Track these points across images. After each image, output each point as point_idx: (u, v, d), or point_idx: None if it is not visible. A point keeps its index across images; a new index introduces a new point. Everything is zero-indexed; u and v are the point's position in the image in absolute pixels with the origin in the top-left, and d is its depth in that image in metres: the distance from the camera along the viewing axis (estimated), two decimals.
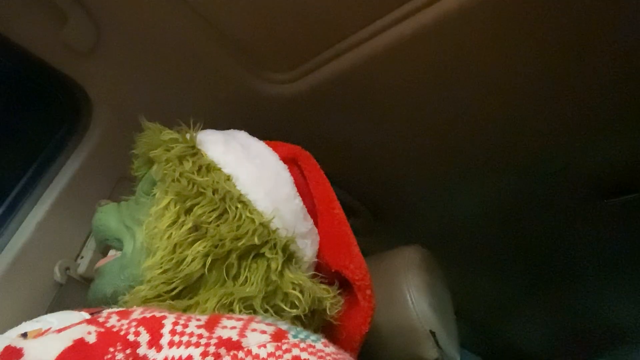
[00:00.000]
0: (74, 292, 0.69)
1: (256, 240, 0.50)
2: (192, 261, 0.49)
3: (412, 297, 0.72)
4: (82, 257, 0.71)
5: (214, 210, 0.51)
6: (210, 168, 0.54)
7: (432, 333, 0.69)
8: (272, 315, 0.49)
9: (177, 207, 0.51)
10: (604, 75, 0.80)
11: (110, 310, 0.44)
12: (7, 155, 0.74)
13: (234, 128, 0.66)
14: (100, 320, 0.41)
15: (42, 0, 0.66)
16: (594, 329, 2.05)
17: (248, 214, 0.51)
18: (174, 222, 0.51)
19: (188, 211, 0.51)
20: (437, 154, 1.04)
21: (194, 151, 0.56)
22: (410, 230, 1.32)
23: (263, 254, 0.51)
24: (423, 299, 0.72)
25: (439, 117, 0.92)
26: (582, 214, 1.27)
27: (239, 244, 0.50)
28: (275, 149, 0.62)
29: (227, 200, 0.51)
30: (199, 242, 0.50)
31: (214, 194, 0.51)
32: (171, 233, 0.50)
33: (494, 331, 2.03)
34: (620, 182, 1.14)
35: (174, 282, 0.49)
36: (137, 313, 0.42)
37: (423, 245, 0.86)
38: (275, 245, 0.51)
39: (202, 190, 0.52)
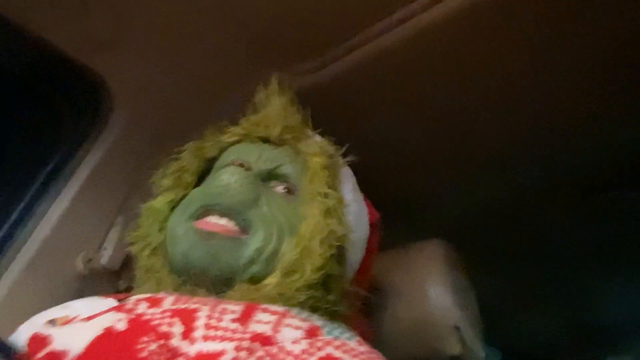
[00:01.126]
0: (97, 284, 0.69)
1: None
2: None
3: (436, 291, 0.72)
4: (105, 249, 0.70)
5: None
6: (342, 211, 0.53)
7: (457, 328, 0.69)
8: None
9: (326, 246, 0.49)
10: (589, 74, 0.80)
11: (137, 297, 0.44)
12: (29, 147, 0.74)
13: None
14: (129, 307, 0.41)
15: None
16: (600, 328, 2.05)
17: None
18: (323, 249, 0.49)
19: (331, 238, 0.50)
20: (439, 150, 1.03)
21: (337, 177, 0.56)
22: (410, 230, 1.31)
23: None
24: (447, 293, 0.72)
25: (441, 115, 0.92)
26: (583, 210, 1.26)
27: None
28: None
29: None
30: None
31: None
32: (321, 258, 0.48)
33: (497, 330, 2.04)
34: (621, 177, 1.13)
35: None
36: (169, 302, 0.41)
37: None
38: None
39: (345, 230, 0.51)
